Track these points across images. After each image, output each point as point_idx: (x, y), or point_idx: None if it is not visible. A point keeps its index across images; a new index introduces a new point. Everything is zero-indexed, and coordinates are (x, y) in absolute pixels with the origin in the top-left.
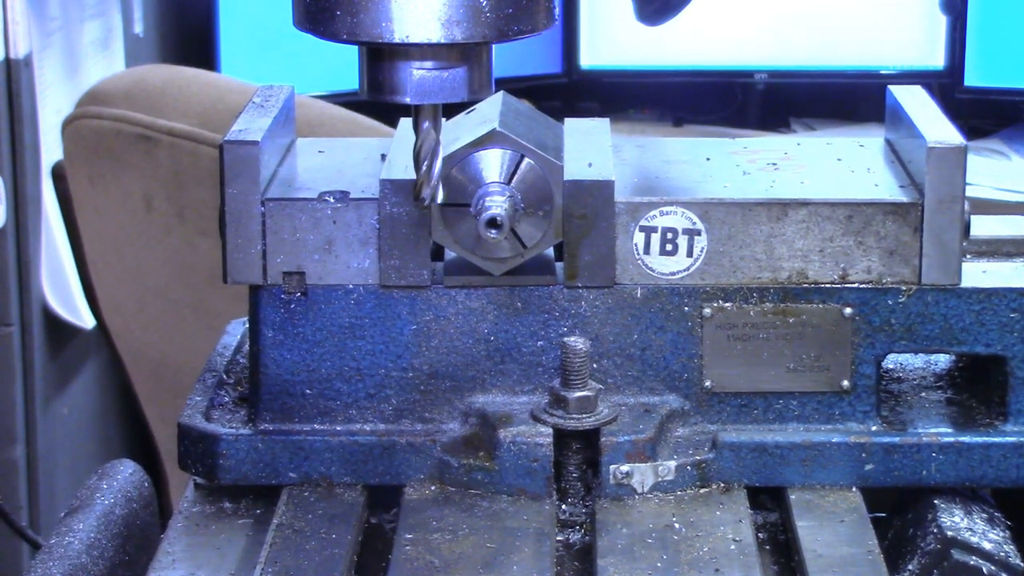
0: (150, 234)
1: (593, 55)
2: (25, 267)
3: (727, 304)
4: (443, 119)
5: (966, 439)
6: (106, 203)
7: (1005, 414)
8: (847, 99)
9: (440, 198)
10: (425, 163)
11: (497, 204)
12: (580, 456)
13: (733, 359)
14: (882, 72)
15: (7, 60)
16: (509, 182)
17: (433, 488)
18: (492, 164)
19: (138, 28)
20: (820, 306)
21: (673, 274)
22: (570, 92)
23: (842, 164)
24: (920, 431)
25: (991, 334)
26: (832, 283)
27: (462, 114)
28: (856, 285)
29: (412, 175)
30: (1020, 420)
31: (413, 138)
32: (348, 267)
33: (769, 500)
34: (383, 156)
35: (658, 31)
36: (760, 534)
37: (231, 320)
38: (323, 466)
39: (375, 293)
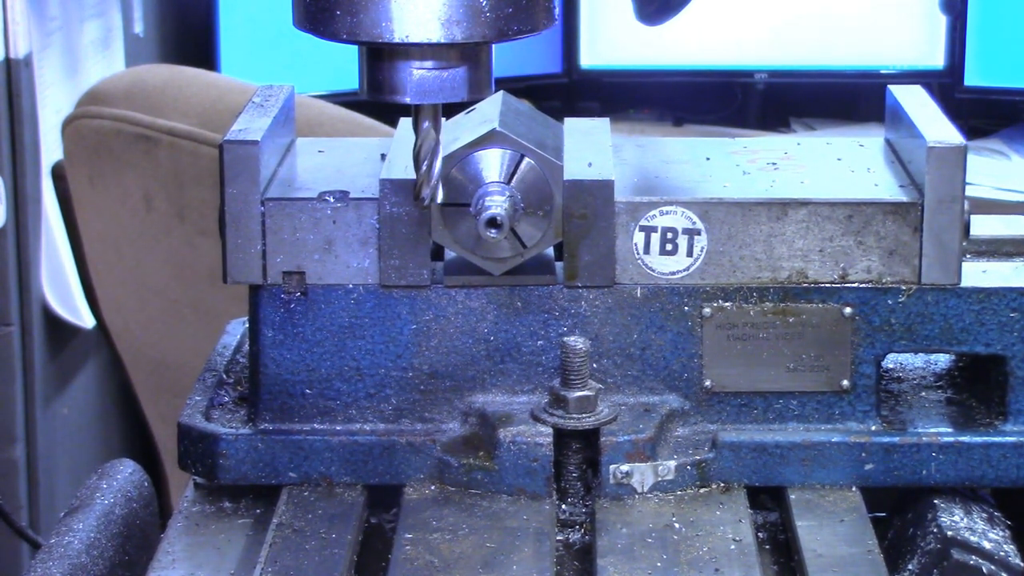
0: (150, 234)
1: (593, 55)
2: (25, 267)
3: (727, 304)
4: (443, 119)
5: (966, 439)
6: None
7: (1005, 414)
8: (847, 99)
9: (440, 198)
10: (425, 163)
11: (497, 204)
12: (580, 456)
13: (733, 359)
14: (882, 72)
15: (7, 60)
16: (509, 182)
17: (433, 488)
18: (492, 164)
19: (138, 28)
20: (820, 306)
21: (673, 274)
22: (570, 92)
23: (842, 164)
24: (920, 431)
25: (991, 334)
26: (832, 283)
27: (462, 114)
28: (856, 285)
29: (412, 175)
30: (1020, 420)
31: (413, 138)
32: (348, 267)
33: (769, 500)
34: (383, 156)
35: (658, 31)
36: (760, 534)
37: (231, 320)
38: (323, 466)
39: (375, 293)
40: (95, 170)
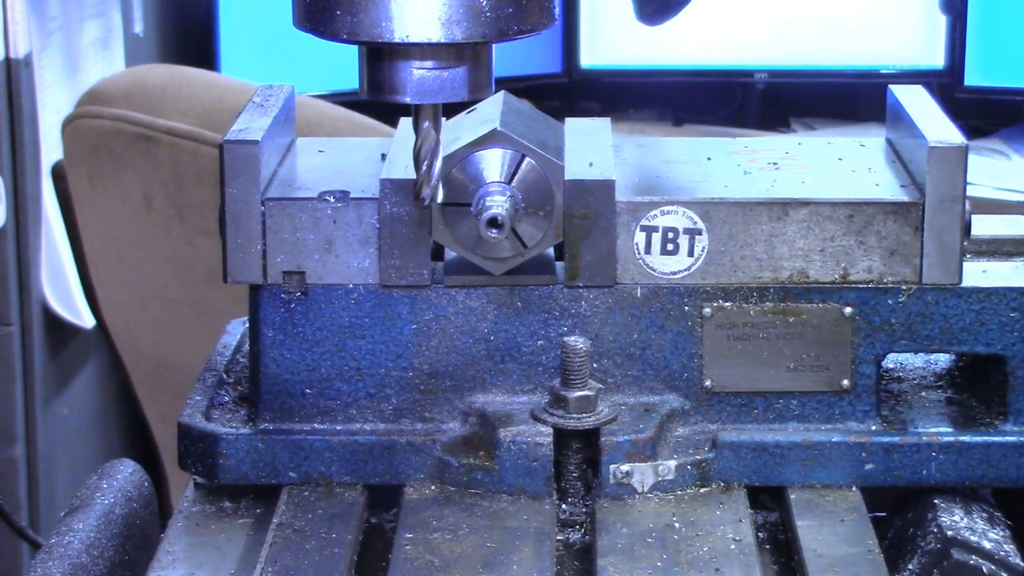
0: (150, 234)
1: (593, 55)
2: (25, 267)
3: (727, 304)
4: (443, 119)
5: (966, 439)
6: (106, 203)
7: (1005, 414)
8: (847, 99)
9: (440, 198)
10: (425, 163)
11: (498, 204)
12: (580, 456)
13: (733, 359)
14: (882, 72)
15: (7, 60)
16: (510, 182)
17: (433, 488)
18: (493, 164)
19: (138, 28)
20: (820, 306)
21: (674, 274)
22: (570, 92)
23: (843, 164)
24: (920, 431)
25: (991, 334)
26: (833, 283)
27: (462, 114)
28: (857, 285)
29: (412, 175)
30: (1020, 420)
31: (413, 138)
32: (348, 267)
33: (769, 500)
34: (383, 156)
35: (658, 31)
36: (760, 534)
37: (231, 320)
38: (323, 466)
39: (375, 293)
40: (95, 170)
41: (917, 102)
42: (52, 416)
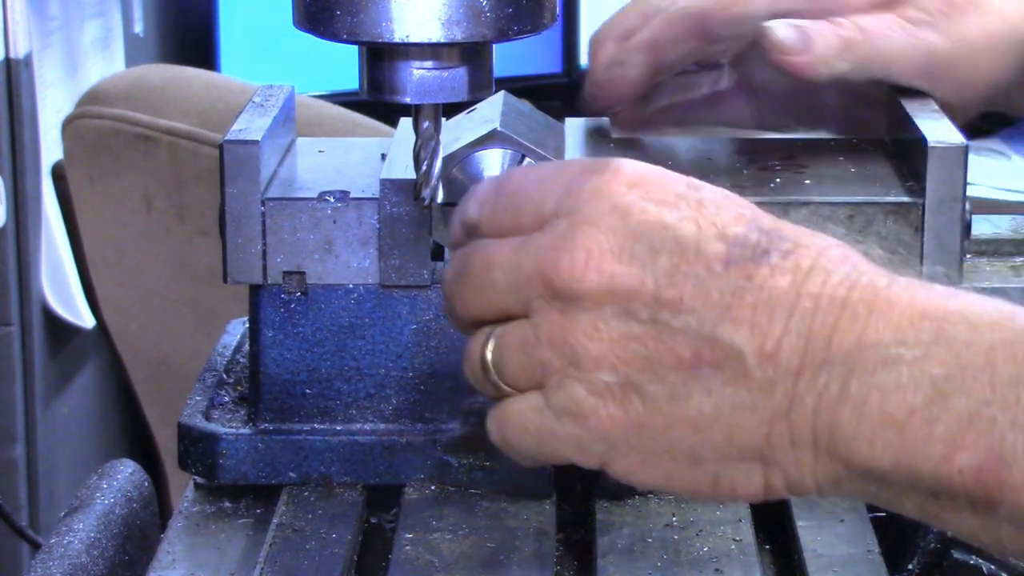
0: (150, 234)
1: None
2: (25, 267)
3: None
4: (443, 119)
5: None
6: (106, 203)
7: None
8: None
9: (440, 198)
10: (425, 163)
11: None
12: None
13: None
14: None
15: (7, 60)
16: None
17: (433, 488)
18: (493, 164)
19: (138, 28)
20: None
21: None
22: (570, 92)
23: (843, 163)
24: None
25: None
26: None
27: (462, 114)
28: None
29: (412, 175)
30: None
31: (413, 138)
32: (348, 267)
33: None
34: (383, 156)
35: None
36: (760, 534)
37: (231, 320)
38: (323, 466)
39: (375, 293)
40: (95, 170)
41: (917, 102)
42: (52, 416)
